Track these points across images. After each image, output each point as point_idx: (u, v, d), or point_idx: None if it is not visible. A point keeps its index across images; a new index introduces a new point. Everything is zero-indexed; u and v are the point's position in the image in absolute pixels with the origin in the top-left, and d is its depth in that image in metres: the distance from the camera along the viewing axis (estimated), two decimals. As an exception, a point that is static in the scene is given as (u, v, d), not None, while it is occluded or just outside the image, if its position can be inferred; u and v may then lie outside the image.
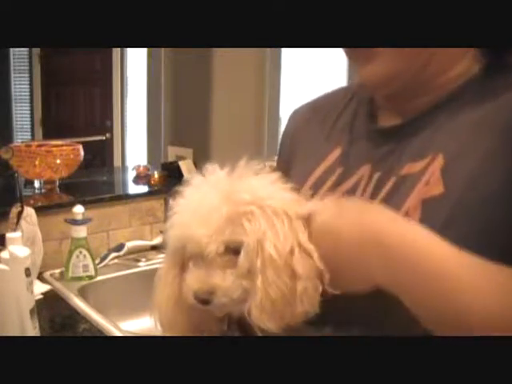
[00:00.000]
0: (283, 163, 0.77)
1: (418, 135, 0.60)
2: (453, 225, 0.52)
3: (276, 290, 0.52)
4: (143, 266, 1.71)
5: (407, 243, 0.49)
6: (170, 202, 0.57)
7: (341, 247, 0.52)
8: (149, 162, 2.51)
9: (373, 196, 0.61)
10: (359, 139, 0.67)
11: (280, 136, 0.83)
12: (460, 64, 0.60)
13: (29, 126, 4.79)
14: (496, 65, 0.59)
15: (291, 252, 0.52)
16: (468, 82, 0.59)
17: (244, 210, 0.53)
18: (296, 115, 0.80)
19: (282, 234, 0.53)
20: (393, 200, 0.58)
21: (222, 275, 0.53)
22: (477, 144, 0.55)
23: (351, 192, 0.63)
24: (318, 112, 0.75)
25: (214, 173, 0.57)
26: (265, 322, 0.52)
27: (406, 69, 0.59)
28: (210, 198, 0.54)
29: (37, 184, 1.90)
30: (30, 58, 4.64)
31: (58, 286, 1.52)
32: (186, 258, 0.57)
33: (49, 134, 4.40)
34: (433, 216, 0.54)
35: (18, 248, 1.05)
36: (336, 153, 0.68)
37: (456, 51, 0.59)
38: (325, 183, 0.66)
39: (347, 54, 0.63)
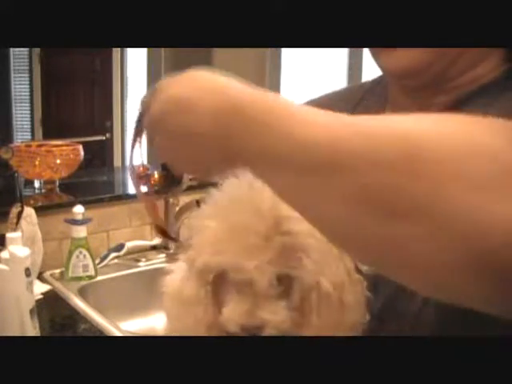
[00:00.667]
0: None
1: None
2: None
3: (329, 323, 0.51)
4: (143, 265, 1.70)
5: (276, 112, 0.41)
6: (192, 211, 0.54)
7: (192, 116, 0.44)
8: (149, 161, 2.50)
9: None
10: None
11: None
12: (484, 64, 0.60)
13: (29, 126, 4.78)
14: None
15: (342, 283, 0.51)
16: (489, 84, 0.59)
17: (300, 242, 0.49)
18: None
19: (336, 267, 0.50)
20: None
21: (272, 308, 0.50)
22: None
23: None
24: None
25: (248, 187, 0.51)
26: None
27: (434, 63, 0.58)
28: (256, 223, 0.49)
29: (37, 184, 1.90)
30: (30, 58, 4.63)
31: (58, 285, 1.52)
32: (224, 280, 0.53)
33: (49, 134, 4.38)
34: None
35: (18, 248, 1.05)
36: None
37: (482, 51, 0.59)
38: None
39: None
